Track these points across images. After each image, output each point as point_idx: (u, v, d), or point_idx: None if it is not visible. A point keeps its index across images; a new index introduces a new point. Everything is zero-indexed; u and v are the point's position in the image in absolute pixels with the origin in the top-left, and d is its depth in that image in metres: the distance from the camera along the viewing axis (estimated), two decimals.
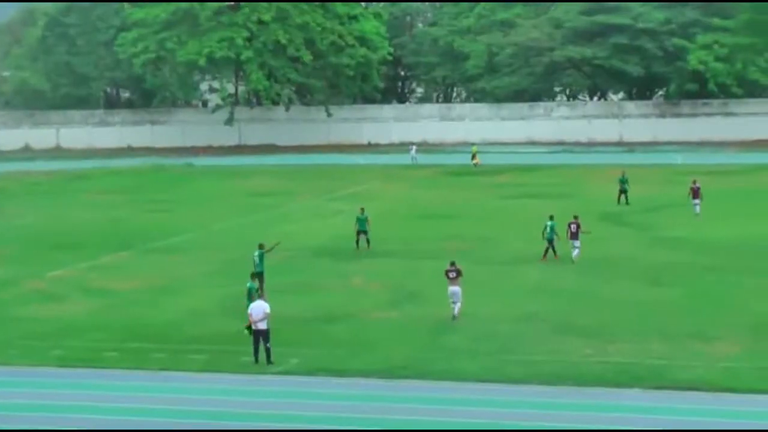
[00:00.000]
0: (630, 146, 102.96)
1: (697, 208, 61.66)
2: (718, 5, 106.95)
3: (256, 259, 43.31)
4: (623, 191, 66.09)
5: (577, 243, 49.57)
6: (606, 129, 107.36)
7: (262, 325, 33.53)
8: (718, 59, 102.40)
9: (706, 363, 32.90)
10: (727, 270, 46.49)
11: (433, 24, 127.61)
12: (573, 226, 49.78)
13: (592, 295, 42.55)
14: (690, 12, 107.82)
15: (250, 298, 36.40)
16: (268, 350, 33.57)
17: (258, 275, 42.15)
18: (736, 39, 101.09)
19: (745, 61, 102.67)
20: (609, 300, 41.54)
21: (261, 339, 33.57)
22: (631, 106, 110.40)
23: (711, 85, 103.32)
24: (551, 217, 50.59)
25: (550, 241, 49.84)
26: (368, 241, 53.34)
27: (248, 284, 37.44)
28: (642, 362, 33.15)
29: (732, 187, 72.48)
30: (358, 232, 53.58)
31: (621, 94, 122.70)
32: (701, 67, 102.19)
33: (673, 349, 34.50)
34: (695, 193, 62.10)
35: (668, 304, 40.71)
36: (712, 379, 31.25)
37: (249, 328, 34.06)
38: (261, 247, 43.93)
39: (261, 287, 41.76)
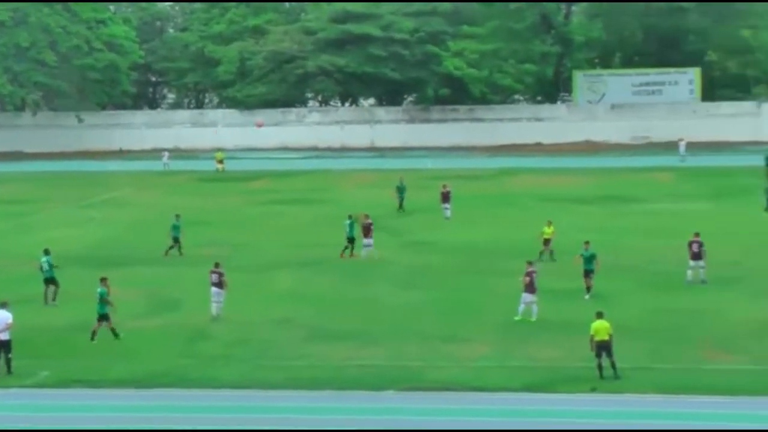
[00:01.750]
0: (381, 151, 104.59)
1: (448, 212, 63.18)
2: (466, 14, 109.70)
3: (45, 265, 42.52)
4: (401, 198, 66.58)
5: (371, 241, 51.21)
6: (358, 134, 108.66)
7: (4, 336, 32.78)
8: (470, 65, 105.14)
9: (458, 363, 33.81)
10: (477, 272, 47.79)
11: (184, 29, 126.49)
12: (371, 225, 51.35)
13: (348, 299, 43.08)
14: (437, 21, 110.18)
15: (104, 304, 36.45)
16: (9, 361, 32.82)
17: (49, 281, 41.74)
18: (483, 45, 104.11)
19: (491, 67, 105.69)
20: (364, 304, 42.13)
21: (2, 350, 32.79)
22: (381, 112, 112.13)
23: (475, 90, 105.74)
24: (350, 216, 51.85)
25: (351, 240, 51.05)
26: (180, 249, 52.60)
27: (99, 290, 36.80)
28: (397, 364, 33.79)
29: (480, 191, 74.42)
30: (174, 239, 52.74)
31: (372, 100, 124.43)
32: (457, 72, 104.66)
33: (427, 351, 35.29)
34: (445, 197, 63.63)
35: (422, 306, 41.57)
36: (463, 380, 32.12)
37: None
38: (47, 252, 43.04)
39: (53, 292, 41.50)
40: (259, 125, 58.75)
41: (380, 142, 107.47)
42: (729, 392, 30.73)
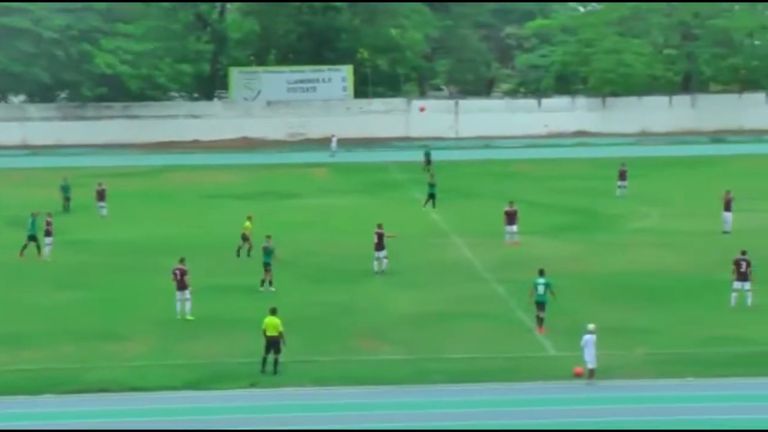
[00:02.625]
0: (34, 149, 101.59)
1: (104, 210, 62.20)
2: (121, 12, 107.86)
3: None
4: (67, 198, 64.67)
5: (51, 240, 50.40)
6: (8, 132, 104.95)
7: None
8: (125, 63, 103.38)
9: (117, 363, 33.53)
10: (135, 270, 47.35)
11: None
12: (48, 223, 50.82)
13: (2, 301, 41.81)
14: (92, 18, 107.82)
15: None
16: None
17: None
18: (140, 45, 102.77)
19: (148, 65, 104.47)
20: (19, 305, 41.06)
21: None
22: (33, 109, 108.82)
23: (133, 87, 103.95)
24: (33, 214, 51.00)
25: (32, 237, 50.26)
26: None
27: None
28: (56, 367, 33.16)
29: (138, 189, 73.62)
30: None
31: (23, 97, 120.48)
32: (109, 71, 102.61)
33: (86, 352, 34.81)
34: (101, 195, 62.66)
35: (79, 306, 40.91)
36: (122, 380, 31.88)
37: None
38: None
39: None
40: (422, 109, 54.81)
41: (32, 140, 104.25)
42: (384, 381, 31.90)
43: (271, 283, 43.10)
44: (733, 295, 39.66)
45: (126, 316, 39.45)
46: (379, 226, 46.49)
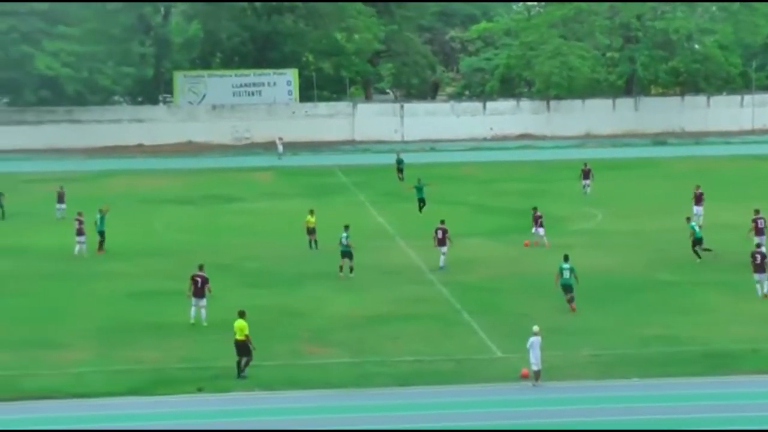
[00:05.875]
0: None
1: (60, 212, 61.59)
2: (62, 14, 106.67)
3: None
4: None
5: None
6: None
7: None
8: (66, 65, 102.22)
9: (56, 371, 32.97)
10: (74, 276, 46.55)
11: None
12: None
13: None
14: (34, 20, 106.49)
15: None
16: None
17: None
18: (80, 47, 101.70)
19: (91, 68, 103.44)
20: None
21: None
22: None
23: (70, 90, 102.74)
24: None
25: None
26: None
27: None
28: None
29: (77, 194, 72.34)
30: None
31: None
32: (50, 73, 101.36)
33: (21, 359, 34.18)
34: (60, 197, 62.46)
35: (12, 313, 40.21)
36: (62, 387, 31.40)
37: None
38: None
39: None
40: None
41: None
42: (330, 385, 31.64)
43: (351, 270, 44.85)
44: (757, 286, 40.98)
45: (65, 323, 38.83)
46: (442, 222, 47.74)
